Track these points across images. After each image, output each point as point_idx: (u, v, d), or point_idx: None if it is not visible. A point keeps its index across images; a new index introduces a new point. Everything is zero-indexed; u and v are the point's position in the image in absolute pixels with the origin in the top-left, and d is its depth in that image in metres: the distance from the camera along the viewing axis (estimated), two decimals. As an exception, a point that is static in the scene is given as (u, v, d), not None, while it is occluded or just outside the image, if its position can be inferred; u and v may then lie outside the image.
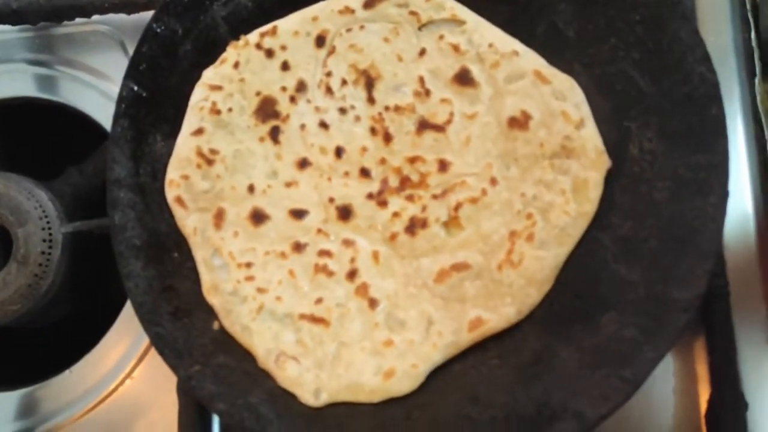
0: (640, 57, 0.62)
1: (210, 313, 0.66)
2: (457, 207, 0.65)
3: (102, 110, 0.86)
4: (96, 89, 0.87)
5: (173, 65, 0.71)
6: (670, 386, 0.68)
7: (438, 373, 0.62)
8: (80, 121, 0.87)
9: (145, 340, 0.79)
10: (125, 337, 0.79)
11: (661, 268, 0.58)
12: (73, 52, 0.88)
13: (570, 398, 0.57)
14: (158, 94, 0.70)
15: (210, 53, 0.71)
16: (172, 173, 0.68)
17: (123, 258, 0.65)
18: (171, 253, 0.68)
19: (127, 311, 0.80)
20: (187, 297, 0.66)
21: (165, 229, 0.68)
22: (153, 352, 0.79)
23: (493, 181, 0.65)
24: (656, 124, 0.61)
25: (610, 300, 0.59)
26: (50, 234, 0.80)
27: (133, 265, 0.65)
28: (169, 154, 0.69)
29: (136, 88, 0.69)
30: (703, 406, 0.67)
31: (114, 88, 0.75)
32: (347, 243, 0.65)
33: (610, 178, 0.63)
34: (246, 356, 0.64)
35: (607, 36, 0.64)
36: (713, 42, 0.62)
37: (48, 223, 0.80)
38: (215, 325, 0.66)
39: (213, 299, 0.65)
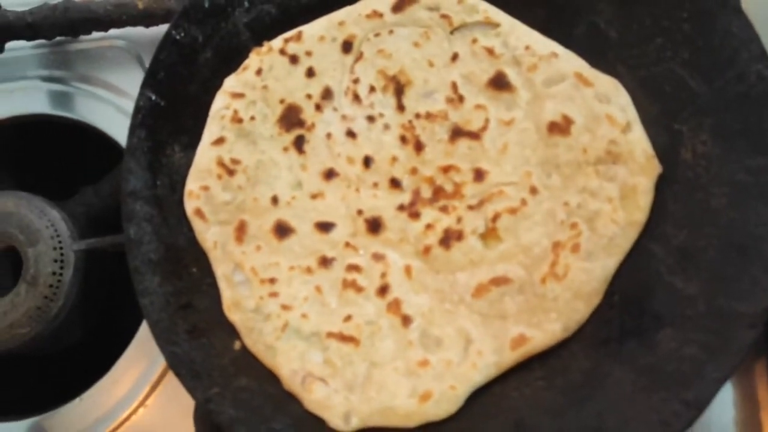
0: (689, 56, 0.59)
1: (230, 332, 0.62)
2: (495, 218, 0.61)
3: (119, 128, 0.83)
4: (113, 106, 0.85)
5: (193, 73, 0.68)
6: (729, 416, 0.63)
7: (478, 395, 0.58)
8: (97, 139, 0.85)
9: (160, 366, 0.75)
10: (139, 363, 0.75)
11: (721, 280, 0.54)
12: (90, 67, 0.87)
13: (626, 424, 0.52)
14: (177, 104, 0.67)
15: (231, 61, 0.69)
16: (192, 184, 0.65)
17: (138, 273, 0.62)
18: (189, 268, 0.64)
19: (141, 336, 0.76)
20: (206, 315, 0.63)
21: (183, 243, 0.65)
22: (168, 378, 0.75)
23: (534, 190, 0.61)
24: (710, 125, 0.58)
25: (666, 315, 0.55)
26: (62, 254, 0.77)
27: (149, 280, 0.62)
28: (187, 166, 0.67)
29: (153, 97, 0.67)
30: (767, 434, 0.62)
31: (131, 104, 0.72)
32: (377, 257, 0.62)
33: (661, 185, 0.59)
34: (269, 378, 0.60)
35: (652, 35, 0.61)
36: (768, 37, 0.57)
37: (60, 242, 0.77)
38: (236, 345, 0.62)
39: (234, 316, 0.61)
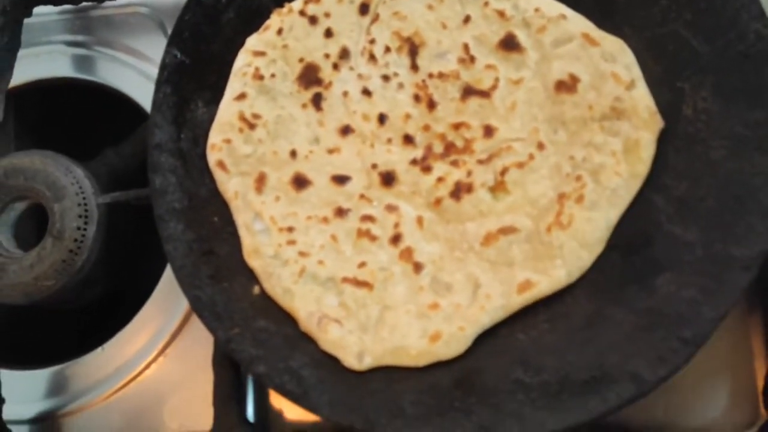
0: (692, 17, 0.61)
1: (250, 277, 0.65)
2: (504, 172, 0.63)
3: (141, 91, 0.86)
4: (135, 69, 0.87)
5: (216, 33, 0.71)
6: (724, 363, 0.65)
7: (485, 337, 0.60)
8: (119, 101, 0.87)
9: (179, 318, 0.78)
10: (158, 315, 0.78)
11: (719, 227, 0.56)
12: (113, 33, 0.89)
13: (626, 361, 0.55)
14: (201, 62, 0.70)
15: (253, 21, 0.72)
16: (215, 137, 0.67)
17: (163, 221, 0.65)
18: (211, 218, 0.67)
19: (160, 289, 0.79)
20: (227, 261, 0.65)
21: (205, 194, 0.67)
22: (186, 329, 0.78)
23: (541, 146, 0.64)
24: (711, 83, 0.60)
25: (665, 261, 0.57)
26: (86, 210, 0.79)
27: (173, 228, 0.65)
28: (210, 121, 0.69)
29: (179, 55, 0.69)
30: (760, 382, 0.65)
31: (153, 69, 0.75)
32: (390, 208, 0.64)
33: (663, 140, 0.61)
34: (287, 321, 0.63)
35: None
36: (768, 0, 0.60)
37: (84, 199, 0.80)
38: (255, 290, 0.64)
39: (254, 262, 0.64)
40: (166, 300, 0.78)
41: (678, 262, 0.57)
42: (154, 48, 0.85)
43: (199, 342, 0.75)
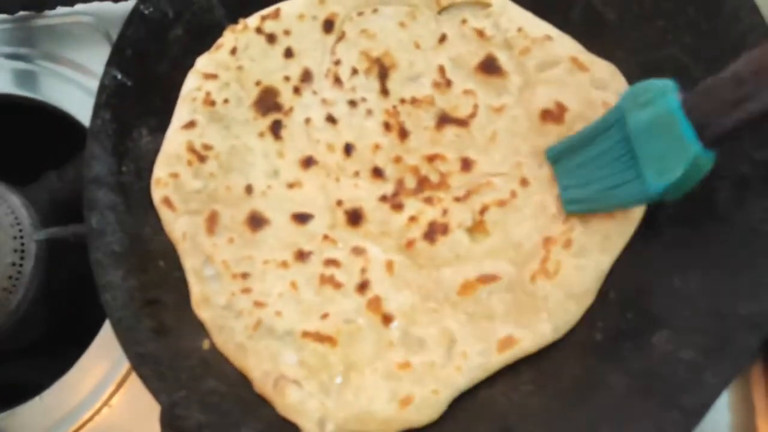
0: (691, 40, 0.56)
1: (199, 330, 0.59)
2: (483, 210, 0.58)
3: (85, 109, 0.76)
4: (79, 86, 0.80)
5: (162, 51, 0.65)
6: (725, 421, 0.60)
7: (462, 400, 0.54)
8: (61, 120, 0.80)
9: (125, 364, 0.71)
10: (103, 360, 0.71)
11: (723, 279, 0.51)
12: (55, 45, 0.82)
13: (620, 431, 0.49)
14: (145, 84, 0.64)
15: (204, 39, 0.65)
16: (160, 171, 0.61)
17: (100, 266, 0.58)
18: (156, 261, 0.61)
19: (106, 331, 0.72)
20: (173, 311, 0.59)
21: (149, 234, 0.61)
22: (134, 377, 0.70)
23: (524, 182, 0.58)
24: None
25: (663, 316, 0.52)
26: (22, 243, 0.72)
27: (112, 274, 0.58)
28: (155, 151, 0.63)
29: (119, 76, 0.63)
30: (763, 440, 0.59)
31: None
32: (357, 251, 0.58)
33: None
34: (240, 380, 0.57)
35: (653, 17, 0.58)
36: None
37: (20, 231, 0.73)
38: (205, 344, 0.58)
39: (203, 313, 0.58)
40: (113, 343, 0.69)
41: (677, 318, 0.51)
42: (100, 61, 0.75)
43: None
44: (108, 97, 0.62)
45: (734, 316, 0.49)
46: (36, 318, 0.74)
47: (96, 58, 0.79)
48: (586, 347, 0.54)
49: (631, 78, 0.58)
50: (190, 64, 0.64)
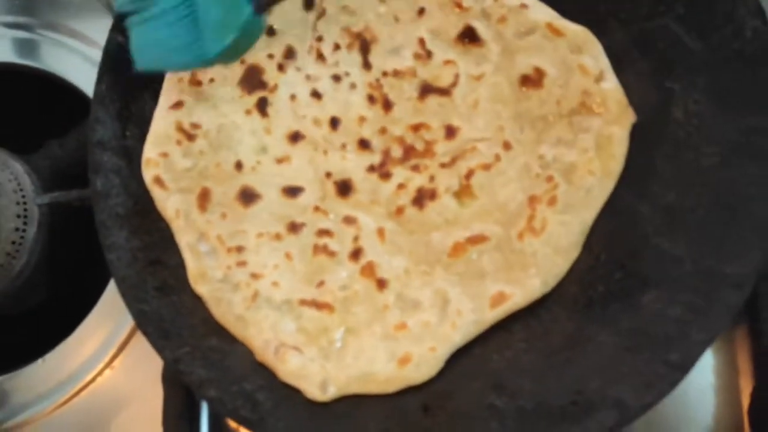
0: (684, 11, 0.57)
1: (201, 290, 0.59)
2: (469, 175, 0.59)
3: (87, 78, 0.79)
4: (80, 55, 0.81)
5: None
6: (708, 381, 0.62)
7: (456, 358, 0.55)
8: (64, 90, 0.81)
9: (127, 327, 0.72)
10: (105, 323, 0.73)
11: (709, 241, 0.52)
12: (57, 14, 0.82)
13: (609, 385, 0.51)
14: None
15: None
16: (150, 151, 0.62)
17: (105, 228, 0.59)
18: (159, 223, 0.61)
19: (108, 295, 0.74)
20: (176, 271, 0.60)
21: (152, 198, 0.61)
22: (135, 339, 0.72)
23: (507, 145, 0.60)
24: (703, 84, 0.56)
25: (651, 277, 0.54)
26: (25, 209, 0.73)
27: (116, 235, 0.59)
28: None
29: (124, 41, 0.61)
30: (746, 401, 0.61)
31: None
32: (348, 221, 0.60)
33: (650, 144, 0.57)
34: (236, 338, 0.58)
35: None
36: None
37: (23, 197, 0.74)
38: None
39: (201, 288, 0.58)
40: (114, 307, 0.72)
41: (665, 279, 0.53)
42: (102, 31, 0.76)
43: (150, 354, 0.66)
44: (113, 62, 0.62)
45: (720, 276, 0.51)
46: (39, 282, 0.75)
47: (97, 27, 0.80)
48: (577, 307, 0.55)
49: (624, 47, 0.59)
50: None
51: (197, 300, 0.59)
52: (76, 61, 0.81)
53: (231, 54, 0.51)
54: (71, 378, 0.72)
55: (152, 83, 0.64)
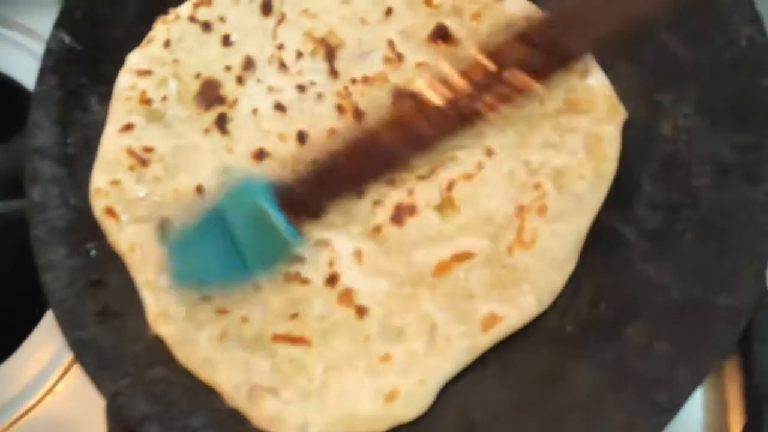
0: (674, 18, 0.53)
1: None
2: (450, 186, 0.55)
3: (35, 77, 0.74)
4: (28, 52, 0.75)
5: (116, 16, 0.62)
6: (697, 418, 0.58)
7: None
8: (8, 89, 0.76)
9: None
10: (47, 344, 0.67)
11: (699, 269, 0.49)
12: (2, 7, 0.77)
13: (589, 427, 0.47)
14: (96, 49, 0.61)
15: (163, 4, 0.62)
16: (99, 179, 0.57)
17: (41, 244, 0.56)
18: (102, 239, 0.57)
19: (51, 315, 0.68)
20: (119, 293, 0.56)
21: None
22: (81, 363, 0.67)
23: (489, 152, 0.56)
24: (694, 97, 0.53)
25: (636, 307, 0.50)
26: (-37, 219, 0.68)
27: (54, 252, 0.56)
28: (104, 122, 0.59)
29: (68, 39, 0.60)
30: (736, 438, 0.57)
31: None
32: (322, 244, 0.55)
33: (637, 161, 0.54)
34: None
35: None
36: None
37: (-39, 206, 0.68)
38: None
39: (162, 329, 0.54)
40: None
41: (651, 310, 0.49)
42: (50, 25, 0.73)
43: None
44: (55, 61, 0.59)
45: (711, 309, 0.47)
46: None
47: (47, 22, 0.74)
48: (556, 339, 0.51)
49: (608, 59, 0.55)
50: (144, 31, 0.61)
51: (141, 325, 0.55)
52: (25, 59, 0.75)
53: (271, 267, 0.50)
54: (10, 405, 0.66)
55: (99, 86, 0.60)
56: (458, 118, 0.42)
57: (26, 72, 0.75)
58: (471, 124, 0.42)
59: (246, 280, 0.50)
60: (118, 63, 0.60)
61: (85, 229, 0.57)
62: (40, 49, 0.73)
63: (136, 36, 0.61)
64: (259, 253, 0.47)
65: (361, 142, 0.45)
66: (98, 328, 0.54)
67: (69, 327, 0.53)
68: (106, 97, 0.59)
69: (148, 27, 0.61)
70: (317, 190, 0.46)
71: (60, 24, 0.59)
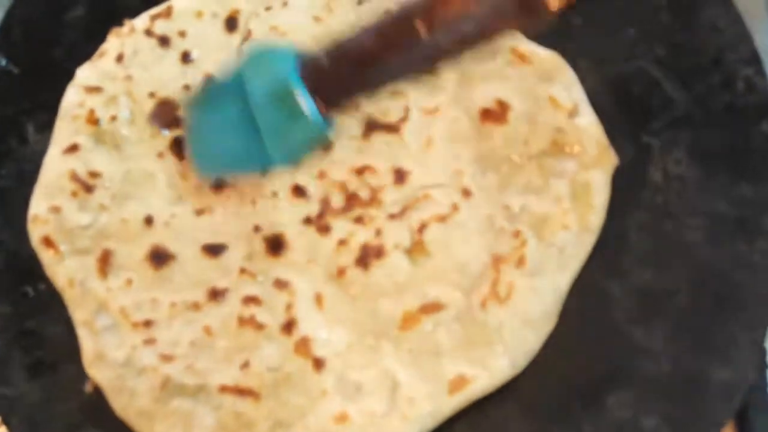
0: (666, 53, 0.51)
1: (82, 369, 0.50)
2: (422, 228, 0.52)
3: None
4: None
5: (58, 34, 0.58)
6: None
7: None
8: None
9: None
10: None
11: (692, 335, 0.45)
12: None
13: None
14: (35, 72, 0.57)
15: (110, 21, 0.58)
16: (38, 206, 0.53)
17: None
18: (36, 284, 0.52)
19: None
20: (54, 345, 0.51)
21: (30, 251, 0.52)
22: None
23: (466, 193, 0.52)
24: (686, 141, 0.50)
25: (620, 374, 0.46)
26: None
27: None
28: (43, 153, 0.55)
29: (4, 62, 0.58)
30: None
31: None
32: (280, 284, 0.51)
33: (623, 210, 0.50)
34: (124, 428, 0.48)
35: (623, 25, 0.53)
36: (762, 39, 0.49)
37: None
38: (88, 387, 0.50)
39: (98, 374, 0.49)
40: None
41: (637, 378, 0.45)
42: None
43: None
44: None
45: (704, 381, 0.44)
46: None
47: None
48: (530, 407, 0.47)
49: (597, 93, 0.52)
50: (91, 52, 0.56)
51: (76, 380, 0.50)
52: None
53: (294, 156, 0.48)
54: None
55: (37, 113, 0.56)
56: None
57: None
58: None
59: (266, 167, 0.48)
60: (60, 88, 0.56)
61: (18, 271, 0.52)
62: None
63: (81, 57, 0.56)
64: (279, 136, 0.44)
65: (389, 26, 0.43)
66: (28, 383, 0.49)
67: (-5, 382, 0.49)
68: (45, 126, 0.55)
69: (95, 48, 0.56)
70: (346, 68, 0.43)
71: (-3, 40, 0.56)
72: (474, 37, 0.41)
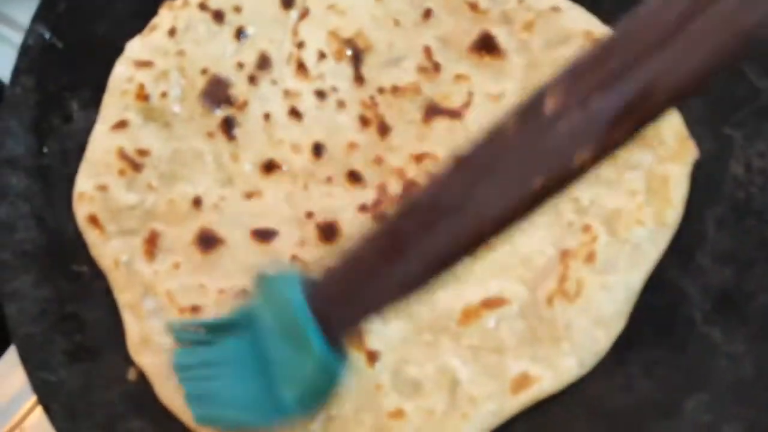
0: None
1: (126, 355, 0.49)
2: None
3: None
4: (8, 44, 0.68)
5: (103, 9, 0.56)
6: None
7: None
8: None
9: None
10: (16, 373, 0.60)
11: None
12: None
13: None
14: (79, 48, 0.55)
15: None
16: (84, 183, 0.52)
17: (7, 269, 0.50)
18: (79, 266, 0.51)
19: (12, 352, 0.61)
20: (95, 330, 0.50)
21: (72, 232, 0.51)
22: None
23: None
24: None
25: (698, 377, 0.44)
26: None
27: (21, 280, 0.50)
28: (87, 131, 0.53)
29: (48, 35, 0.55)
30: None
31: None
32: None
33: (702, 204, 0.48)
34: (169, 419, 0.47)
35: None
36: None
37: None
38: (131, 374, 0.49)
39: (143, 359, 0.48)
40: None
41: (717, 382, 0.43)
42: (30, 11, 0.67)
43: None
44: (32, 60, 0.54)
45: None
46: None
47: (28, 11, 0.68)
48: (598, 411, 0.45)
49: None
50: (139, 26, 0.55)
51: (119, 368, 0.48)
52: (3, 52, 0.69)
53: (314, 399, 0.40)
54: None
55: (81, 89, 0.54)
56: None
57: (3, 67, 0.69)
58: None
59: (276, 413, 0.40)
60: (105, 65, 0.54)
61: (59, 253, 0.51)
62: (14, 36, 0.69)
63: (127, 33, 0.55)
64: (291, 377, 0.39)
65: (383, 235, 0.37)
66: (68, 370, 0.48)
67: (34, 367, 0.47)
68: (88, 103, 0.54)
69: (142, 24, 0.55)
70: (354, 289, 0.37)
71: (39, 17, 0.54)
72: None
